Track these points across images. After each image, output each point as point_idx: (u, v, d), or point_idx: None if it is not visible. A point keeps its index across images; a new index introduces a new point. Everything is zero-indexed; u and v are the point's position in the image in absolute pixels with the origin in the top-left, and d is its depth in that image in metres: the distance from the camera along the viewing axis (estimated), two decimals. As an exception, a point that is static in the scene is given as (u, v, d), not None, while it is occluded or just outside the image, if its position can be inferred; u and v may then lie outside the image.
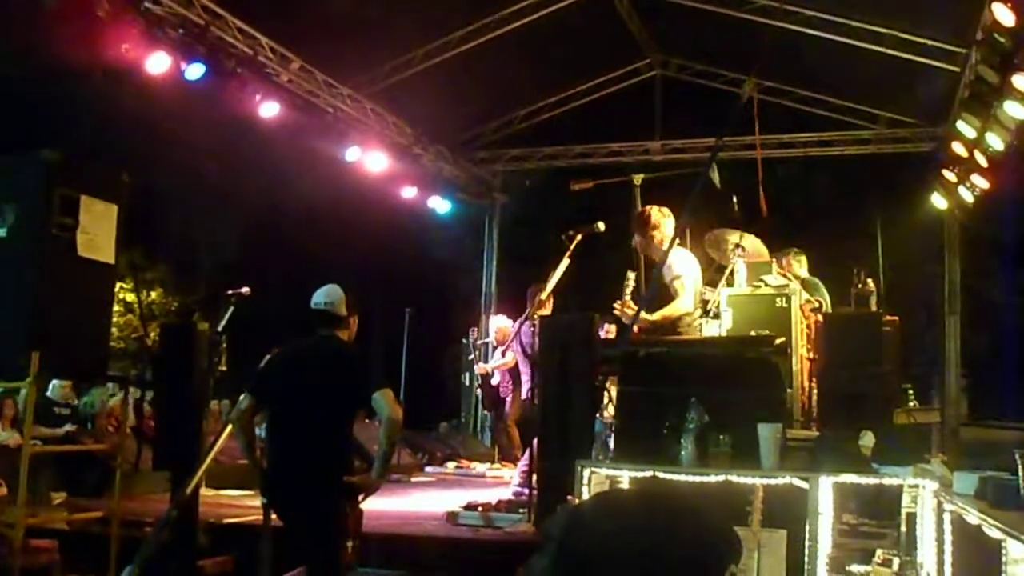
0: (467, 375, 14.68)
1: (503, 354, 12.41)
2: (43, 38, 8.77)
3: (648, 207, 7.45)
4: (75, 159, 6.62)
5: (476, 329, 13.82)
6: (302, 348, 5.49)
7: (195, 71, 9.23)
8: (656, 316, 6.96)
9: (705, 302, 7.81)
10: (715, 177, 7.44)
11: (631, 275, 7.16)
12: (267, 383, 5.37)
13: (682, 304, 7.03)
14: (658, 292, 7.03)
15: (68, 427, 9.64)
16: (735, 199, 8.60)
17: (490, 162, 15.09)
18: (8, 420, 9.72)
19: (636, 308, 6.83)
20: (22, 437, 7.01)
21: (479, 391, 13.24)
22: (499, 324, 12.65)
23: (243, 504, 8.04)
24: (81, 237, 6.42)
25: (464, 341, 14.77)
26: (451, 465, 12.46)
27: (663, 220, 7.31)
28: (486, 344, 13.18)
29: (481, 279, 15.90)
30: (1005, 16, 7.72)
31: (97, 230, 6.57)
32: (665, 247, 7.08)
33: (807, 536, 4.96)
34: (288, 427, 5.25)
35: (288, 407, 5.26)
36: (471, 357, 13.58)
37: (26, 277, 6.33)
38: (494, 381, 12.47)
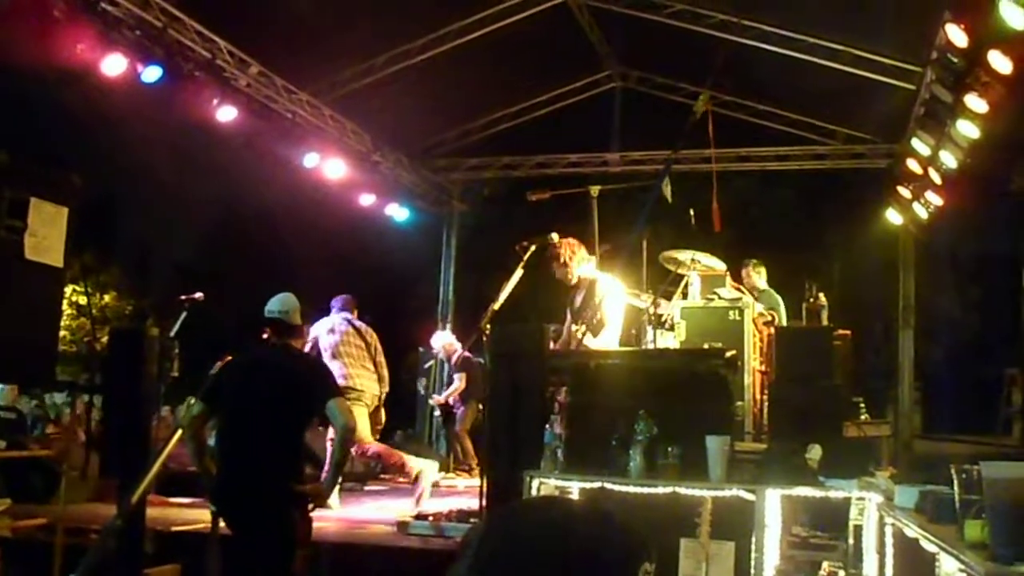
0: (422, 383, 14.70)
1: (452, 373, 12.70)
2: (-4, 37, 8.65)
3: (560, 242, 7.59)
4: (25, 160, 6.55)
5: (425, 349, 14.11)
6: (255, 356, 5.47)
7: (152, 73, 9.10)
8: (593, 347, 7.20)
9: (659, 315, 7.88)
10: (667, 192, 7.47)
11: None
12: (219, 390, 5.34)
13: (608, 337, 7.32)
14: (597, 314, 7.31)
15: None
16: (692, 212, 8.65)
17: (448, 170, 15.04)
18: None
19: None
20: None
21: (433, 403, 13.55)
22: (445, 340, 12.87)
23: (191, 511, 7.97)
24: (29, 240, 6.34)
25: (421, 350, 14.78)
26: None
27: (569, 251, 7.57)
28: (434, 359, 13.42)
29: (438, 287, 15.86)
30: (958, 37, 7.82)
31: (46, 233, 6.49)
32: (577, 276, 7.52)
33: (754, 548, 4.99)
34: (240, 435, 5.22)
35: (240, 415, 5.24)
36: (422, 384, 13.87)
37: (-29, 280, 6.24)
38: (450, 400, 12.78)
